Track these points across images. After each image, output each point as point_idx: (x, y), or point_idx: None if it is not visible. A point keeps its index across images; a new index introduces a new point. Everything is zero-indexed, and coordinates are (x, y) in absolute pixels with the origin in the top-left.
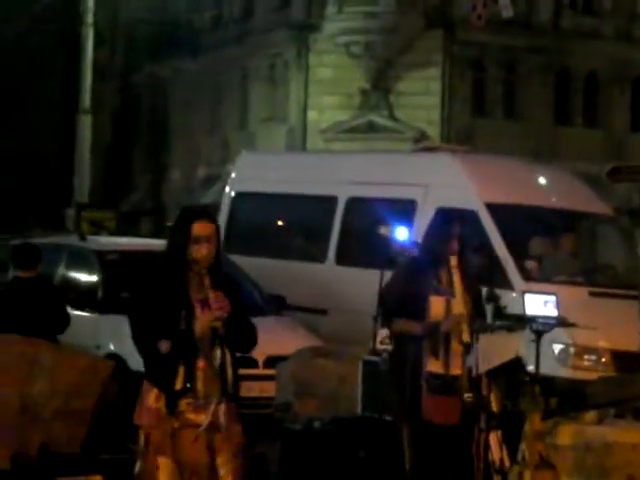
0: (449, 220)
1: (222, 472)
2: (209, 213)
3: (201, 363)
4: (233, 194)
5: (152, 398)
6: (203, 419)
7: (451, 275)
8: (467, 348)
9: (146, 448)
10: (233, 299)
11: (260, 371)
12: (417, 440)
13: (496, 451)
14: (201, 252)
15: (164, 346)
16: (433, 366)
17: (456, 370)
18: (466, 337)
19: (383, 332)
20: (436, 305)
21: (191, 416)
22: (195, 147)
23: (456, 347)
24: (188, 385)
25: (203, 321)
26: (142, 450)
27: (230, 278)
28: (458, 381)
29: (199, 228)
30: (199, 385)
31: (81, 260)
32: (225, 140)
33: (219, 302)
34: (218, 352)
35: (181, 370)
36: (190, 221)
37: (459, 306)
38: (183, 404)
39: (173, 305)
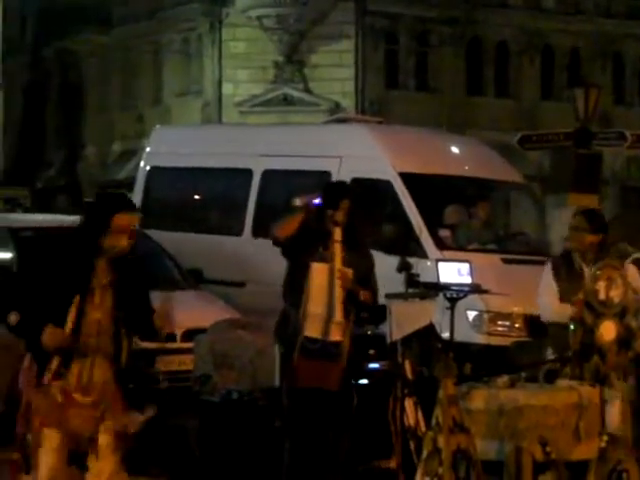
0: (338, 192)
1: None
2: (132, 203)
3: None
4: (148, 169)
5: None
6: (88, 400)
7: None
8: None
9: (31, 417)
10: (134, 283)
11: (178, 344)
12: (290, 404)
13: (411, 417)
14: (121, 242)
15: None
16: (310, 331)
17: (336, 337)
18: (339, 317)
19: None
20: (318, 272)
21: (76, 396)
22: (110, 122)
23: (345, 316)
24: (62, 370)
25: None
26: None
27: (133, 260)
28: (339, 347)
29: (124, 219)
30: (83, 374)
31: None
32: (140, 115)
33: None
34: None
35: (56, 358)
36: (113, 211)
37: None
38: (56, 385)
39: (71, 291)
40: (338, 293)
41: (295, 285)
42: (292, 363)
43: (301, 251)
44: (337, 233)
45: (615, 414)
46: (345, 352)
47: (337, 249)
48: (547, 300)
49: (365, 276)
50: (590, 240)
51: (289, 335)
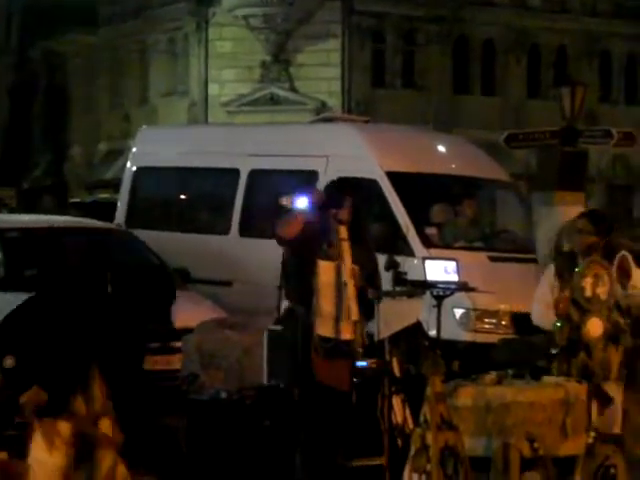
0: (342, 190)
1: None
2: None
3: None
4: (134, 169)
5: None
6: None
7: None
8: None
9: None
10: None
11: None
12: (309, 403)
13: (399, 414)
14: None
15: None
16: (322, 330)
17: (347, 335)
18: (355, 315)
19: (287, 302)
20: (325, 270)
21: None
22: (96, 122)
23: (356, 314)
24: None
25: None
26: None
27: None
28: (350, 346)
29: None
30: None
31: None
32: (126, 115)
33: None
34: None
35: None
36: None
37: (347, 278)
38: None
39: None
40: (351, 291)
41: (302, 283)
42: (310, 362)
43: (306, 250)
44: (342, 231)
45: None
46: (356, 350)
47: (345, 247)
48: (541, 308)
49: (371, 274)
50: (594, 241)
51: (300, 334)
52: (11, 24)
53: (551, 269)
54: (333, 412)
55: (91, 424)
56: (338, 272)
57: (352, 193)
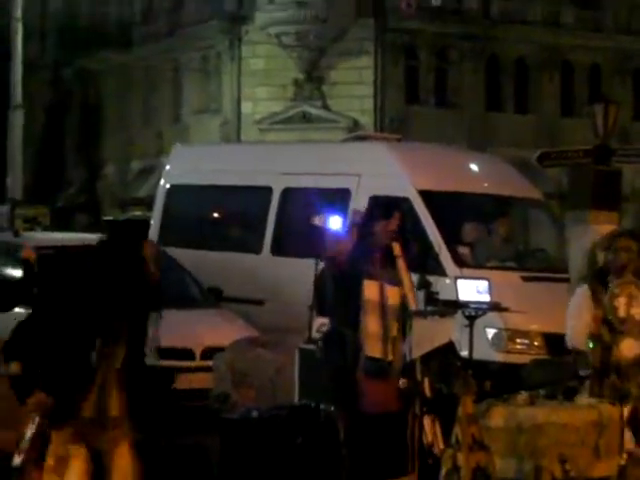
0: (388, 208)
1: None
2: None
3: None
4: (168, 187)
5: None
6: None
7: (394, 262)
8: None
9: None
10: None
11: (197, 363)
12: (354, 427)
13: (430, 434)
14: None
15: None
16: (371, 351)
17: (390, 355)
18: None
19: (319, 321)
20: (369, 289)
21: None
22: (129, 140)
23: (397, 334)
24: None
25: None
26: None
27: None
28: (391, 366)
29: None
30: (100, 409)
31: (16, 256)
32: (159, 133)
33: None
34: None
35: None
36: None
37: (401, 293)
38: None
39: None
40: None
41: (348, 304)
42: (357, 385)
43: (353, 269)
44: (397, 248)
45: None
46: (397, 371)
47: (401, 265)
48: (578, 326)
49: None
50: (632, 260)
51: (348, 356)
52: (46, 42)
53: (585, 289)
54: (380, 435)
55: (104, 428)
56: (382, 292)
57: (398, 212)
